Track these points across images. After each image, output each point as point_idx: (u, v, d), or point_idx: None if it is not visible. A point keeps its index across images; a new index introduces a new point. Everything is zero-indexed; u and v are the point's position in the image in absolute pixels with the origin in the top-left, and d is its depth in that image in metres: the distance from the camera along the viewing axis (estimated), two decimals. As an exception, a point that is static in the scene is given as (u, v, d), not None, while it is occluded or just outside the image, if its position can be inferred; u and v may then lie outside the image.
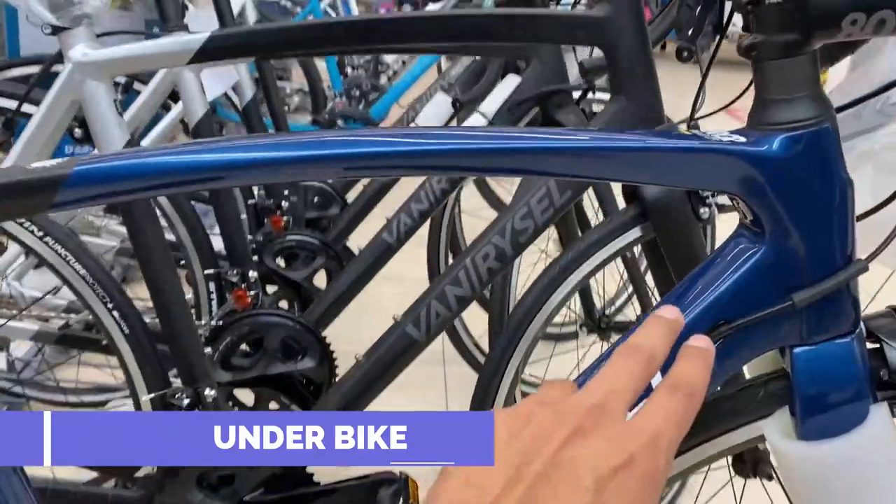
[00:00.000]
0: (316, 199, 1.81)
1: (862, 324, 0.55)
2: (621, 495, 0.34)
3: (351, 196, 1.82)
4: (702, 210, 0.96)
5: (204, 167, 0.50)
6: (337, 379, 1.25)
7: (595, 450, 0.35)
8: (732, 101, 0.85)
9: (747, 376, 0.61)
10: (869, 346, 0.56)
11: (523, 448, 0.35)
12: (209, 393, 1.02)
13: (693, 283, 0.55)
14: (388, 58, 2.95)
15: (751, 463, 0.95)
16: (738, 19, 0.81)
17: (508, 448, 0.35)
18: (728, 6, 0.94)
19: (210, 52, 0.91)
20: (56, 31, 0.91)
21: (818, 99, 0.50)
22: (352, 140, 0.50)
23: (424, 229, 1.59)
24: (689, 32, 0.88)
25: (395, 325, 1.04)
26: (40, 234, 0.97)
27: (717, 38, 0.93)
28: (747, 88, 0.91)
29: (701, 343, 0.45)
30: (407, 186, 1.45)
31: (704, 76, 0.90)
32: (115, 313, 1.00)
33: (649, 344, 0.43)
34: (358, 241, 1.50)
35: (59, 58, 0.96)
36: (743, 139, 0.51)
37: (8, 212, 0.52)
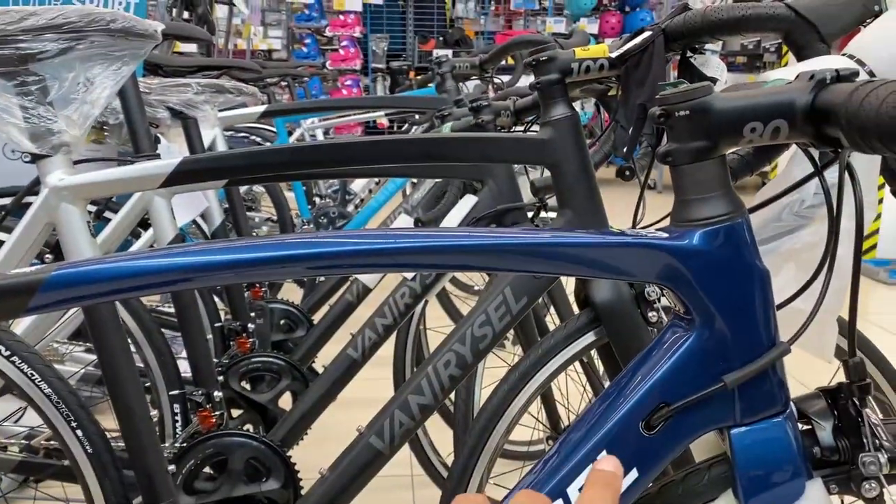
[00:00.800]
0: (282, 320, 1.84)
1: (793, 405, 0.59)
2: None
3: (317, 317, 1.85)
4: (650, 314, 1.01)
5: (175, 270, 0.54)
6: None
7: None
8: (667, 215, 0.92)
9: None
10: (801, 426, 0.60)
11: None
12: (171, 512, 1.01)
13: (635, 370, 0.59)
14: (356, 186, 3.06)
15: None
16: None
17: None
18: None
19: (181, 177, 0.96)
20: (35, 158, 0.97)
21: (730, 197, 0.56)
22: (311, 241, 0.55)
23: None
24: (625, 150, 0.97)
25: (358, 437, 1.05)
26: (7, 353, 0.98)
27: (653, 153, 1.01)
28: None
29: (608, 466, 0.43)
30: (372, 304, 1.49)
31: (643, 187, 0.98)
32: (79, 432, 1.00)
33: None
34: (325, 361, 1.52)
35: (36, 184, 1.01)
36: (665, 235, 0.57)
37: (-16, 315, 0.55)
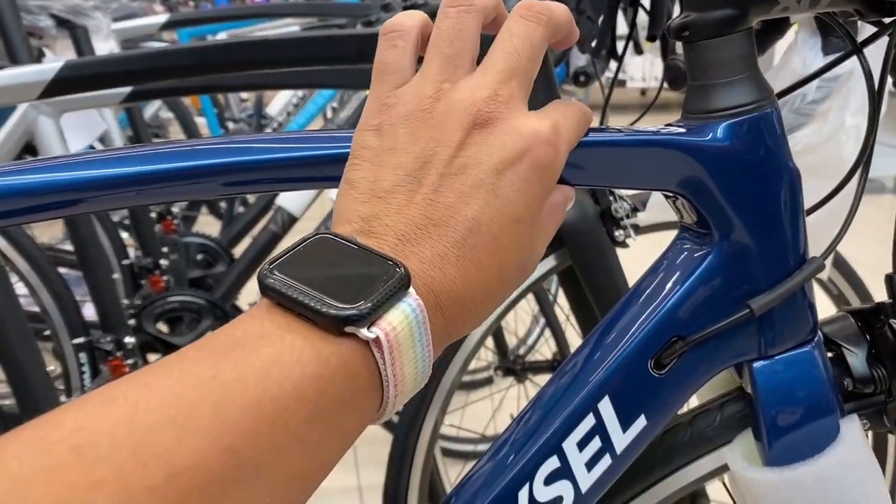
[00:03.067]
0: (199, 255, 1.68)
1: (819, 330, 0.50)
2: (515, 185, 0.35)
3: (238, 250, 1.70)
4: (617, 233, 0.92)
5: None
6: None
7: (494, 146, 0.35)
8: (639, 117, 0.81)
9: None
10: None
11: (420, 152, 0.35)
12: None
13: (636, 298, 0.48)
14: (272, 110, 2.85)
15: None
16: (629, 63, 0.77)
17: (406, 154, 0.35)
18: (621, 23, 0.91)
19: (66, 84, 0.80)
20: None
21: (758, 81, 0.45)
22: (233, 147, 0.41)
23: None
24: (593, 45, 0.85)
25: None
26: None
27: (620, 53, 0.90)
28: (648, 109, 0.88)
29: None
30: (300, 234, 1.35)
31: (610, 91, 0.87)
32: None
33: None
34: (250, 298, 1.38)
35: None
36: (681, 129, 0.45)
37: None
